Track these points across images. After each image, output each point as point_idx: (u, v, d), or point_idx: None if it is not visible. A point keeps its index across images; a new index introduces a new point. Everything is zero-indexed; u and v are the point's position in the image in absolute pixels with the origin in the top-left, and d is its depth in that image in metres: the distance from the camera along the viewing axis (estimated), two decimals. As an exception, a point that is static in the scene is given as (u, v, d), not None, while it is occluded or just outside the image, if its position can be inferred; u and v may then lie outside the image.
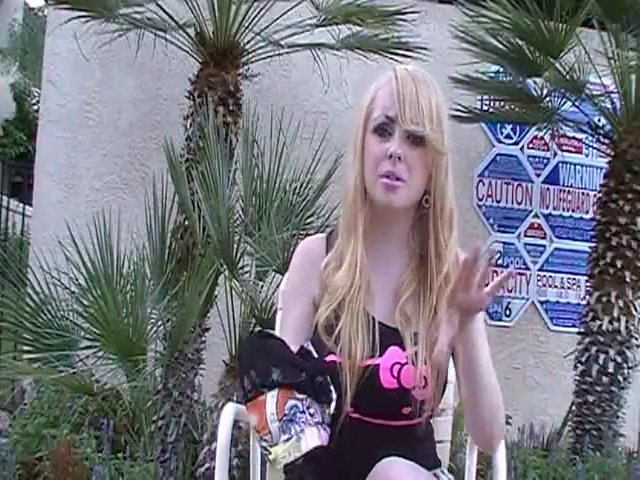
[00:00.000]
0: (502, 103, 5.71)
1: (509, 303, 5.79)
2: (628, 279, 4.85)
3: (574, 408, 4.97)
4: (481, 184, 5.84)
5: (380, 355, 1.77)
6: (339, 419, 1.74)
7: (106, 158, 5.39)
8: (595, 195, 5.42)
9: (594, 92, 5.08)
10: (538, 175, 5.94)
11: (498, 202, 5.85)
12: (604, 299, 4.87)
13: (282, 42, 4.75)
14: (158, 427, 4.09)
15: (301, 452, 1.54)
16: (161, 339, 4.05)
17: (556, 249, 5.92)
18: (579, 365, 4.92)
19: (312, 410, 1.59)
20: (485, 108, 5.76)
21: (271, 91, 5.40)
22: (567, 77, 4.94)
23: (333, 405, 1.69)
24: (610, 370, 4.79)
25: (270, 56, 4.81)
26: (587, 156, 5.97)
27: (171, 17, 4.72)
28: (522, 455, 4.37)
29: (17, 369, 4.33)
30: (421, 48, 4.77)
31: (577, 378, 4.93)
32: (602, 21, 4.99)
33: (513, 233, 5.86)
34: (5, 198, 8.17)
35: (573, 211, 5.97)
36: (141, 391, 4.28)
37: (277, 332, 1.93)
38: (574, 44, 4.87)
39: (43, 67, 5.55)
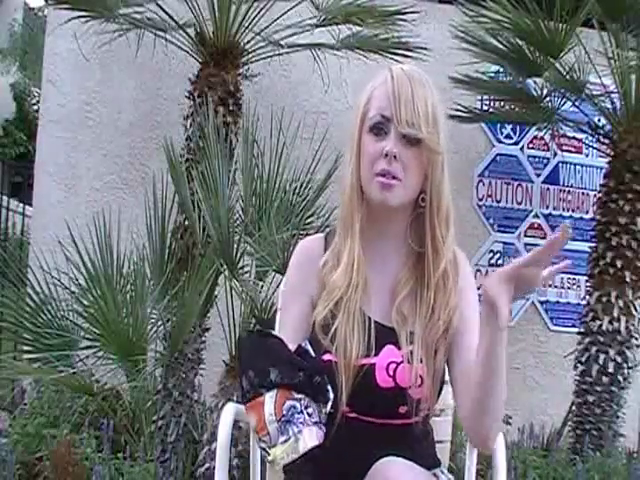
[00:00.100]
0: (502, 103, 5.71)
1: (509, 303, 5.78)
2: (628, 279, 4.85)
3: (574, 408, 4.97)
4: (481, 184, 5.84)
5: (376, 354, 1.77)
6: (335, 418, 1.75)
7: (106, 158, 5.39)
8: (595, 195, 5.43)
9: (594, 92, 5.08)
10: (538, 175, 5.94)
11: (498, 202, 5.85)
12: (604, 299, 4.86)
13: (282, 42, 4.75)
14: (158, 427, 4.09)
15: (299, 453, 1.55)
16: (161, 339, 4.05)
17: (556, 249, 5.91)
18: (579, 365, 4.92)
19: (310, 410, 1.59)
20: (485, 108, 5.76)
21: (271, 91, 5.40)
22: (567, 77, 4.94)
23: (329, 404, 1.69)
24: (610, 370, 4.79)
25: (270, 56, 4.81)
26: (587, 156, 5.97)
27: (171, 17, 4.72)
28: (522, 455, 4.37)
29: (17, 369, 4.33)
30: (421, 48, 4.77)
31: (577, 378, 4.93)
32: (602, 21, 4.99)
33: (513, 233, 5.86)
34: (5, 198, 8.17)
35: (573, 211, 5.97)
36: (141, 391, 4.28)
37: (276, 331, 1.93)
38: (574, 44, 4.87)
39: (43, 67, 5.55)
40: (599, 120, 5.27)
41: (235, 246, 3.88)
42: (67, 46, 5.25)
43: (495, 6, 4.83)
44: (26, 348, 4.31)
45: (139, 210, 4.46)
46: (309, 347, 1.77)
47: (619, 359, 4.82)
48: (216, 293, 4.15)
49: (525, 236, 5.88)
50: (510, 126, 5.86)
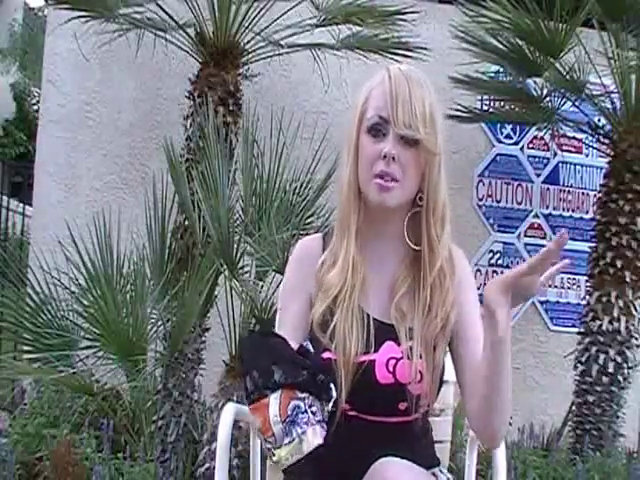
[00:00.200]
0: (502, 103, 5.71)
1: (509, 303, 5.78)
2: (628, 279, 4.85)
3: (574, 408, 4.97)
4: (481, 184, 5.84)
5: (375, 350, 1.77)
6: (335, 417, 1.74)
7: (106, 158, 5.39)
8: (595, 195, 5.43)
9: (594, 92, 5.08)
10: (538, 175, 5.95)
11: (498, 202, 5.85)
12: (604, 299, 4.86)
13: (282, 42, 4.75)
14: (158, 427, 4.09)
15: (303, 454, 1.55)
16: (161, 339, 4.05)
17: (556, 249, 5.91)
18: (579, 365, 4.92)
19: (314, 409, 1.60)
20: (485, 108, 5.76)
21: (271, 91, 5.40)
22: (567, 77, 4.94)
23: (331, 403, 1.69)
24: (610, 370, 4.79)
25: (270, 56, 4.81)
26: (587, 156, 5.97)
27: (171, 17, 4.72)
28: (522, 455, 4.37)
29: (17, 369, 4.33)
30: (421, 48, 4.77)
31: (577, 378, 4.93)
32: (602, 21, 4.99)
33: (513, 233, 5.86)
34: (5, 198, 8.17)
35: (573, 211, 5.97)
36: (141, 391, 4.28)
37: (276, 329, 1.93)
38: (574, 44, 4.87)
39: (43, 67, 5.55)
40: (599, 120, 5.28)
41: (235, 246, 3.88)
42: (67, 46, 5.25)
43: (495, 6, 4.83)
44: (26, 348, 4.31)
45: (139, 210, 4.46)
46: (310, 347, 1.78)
47: (619, 359, 4.82)
48: (216, 293, 4.15)
49: (525, 236, 5.88)
50: (510, 126, 5.86)
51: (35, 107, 11.04)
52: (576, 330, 5.10)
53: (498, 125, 5.85)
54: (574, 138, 5.78)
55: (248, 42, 4.78)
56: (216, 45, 4.68)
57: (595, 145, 5.50)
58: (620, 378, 4.82)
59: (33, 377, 4.58)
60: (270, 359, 1.65)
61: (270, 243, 3.78)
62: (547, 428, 5.19)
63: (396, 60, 4.45)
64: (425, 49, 4.77)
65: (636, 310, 4.89)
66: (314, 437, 1.56)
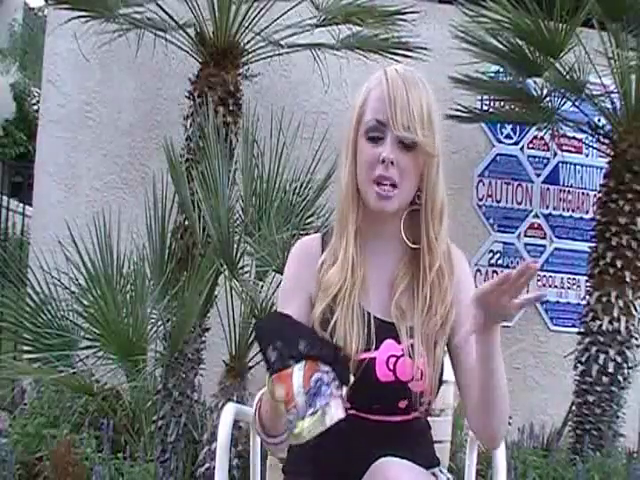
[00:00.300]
0: (502, 103, 5.71)
1: (509, 303, 5.78)
2: (628, 279, 4.85)
3: (574, 408, 4.97)
4: (481, 184, 5.84)
5: (376, 348, 1.78)
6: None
7: (106, 158, 5.39)
8: (595, 195, 5.43)
9: (594, 92, 5.08)
10: (538, 175, 5.95)
11: (498, 202, 5.85)
12: (604, 299, 4.87)
13: (282, 42, 4.75)
14: (158, 427, 4.09)
15: (325, 426, 1.53)
16: (161, 339, 4.05)
17: (556, 249, 5.92)
18: (579, 365, 4.92)
19: (336, 383, 1.59)
20: (485, 108, 5.76)
21: (271, 91, 5.40)
22: (567, 77, 4.95)
23: (350, 383, 1.67)
24: (610, 370, 4.79)
25: (270, 56, 4.81)
26: (587, 156, 5.97)
27: (171, 17, 4.72)
28: (522, 455, 4.37)
29: (17, 369, 4.33)
30: (421, 48, 4.77)
31: (577, 378, 4.93)
32: (602, 21, 4.99)
33: (513, 233, 5.86)
34: (5, 198, 8.17)
35: (573, 211, 5.97)
36: (141, 391, 4.28)
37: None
38: (574, 44, 4.87)
39: (43, 67, 5.55)
40: (599, 120, 5.28)
41: (235, 246, 3.88)
42: (67, 46, 5.25)
43: (495, 6, 4.83)
44: (26, 348, 4.32)
45: (139, 210, 4.46)
46: None
47: (619, 359, 4.82)
48: (216, 293, 4.16)
49: (525, 236, 5.88)
50: (510, 126, 5.86)
51: (35, 107, 11.04)
52: (576, 330, 5.10)
53: (498, 125, 5.85)
54: (574, 138, 5.78)
55: (248, 42, 4.78)
56: (216, 45, 4.68)
57: (595, 145, 5.50)
58: (620, 378, 4.82)
59: (33, 377, 4.58)
60: (294, 331, 1.64)
61: (270, 243, 3.78)
62: (547, 428, 5.20)
63: (396, 60, 4.45)
64: (425, 49, 4.77)
65: (636, 310, 4.89)
66: (337, 410, 1.54)
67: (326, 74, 5.04)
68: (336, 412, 1.54)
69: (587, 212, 5.87)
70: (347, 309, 1.79)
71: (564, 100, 5.19)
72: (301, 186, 4.23)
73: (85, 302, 3.95)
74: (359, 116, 1.82)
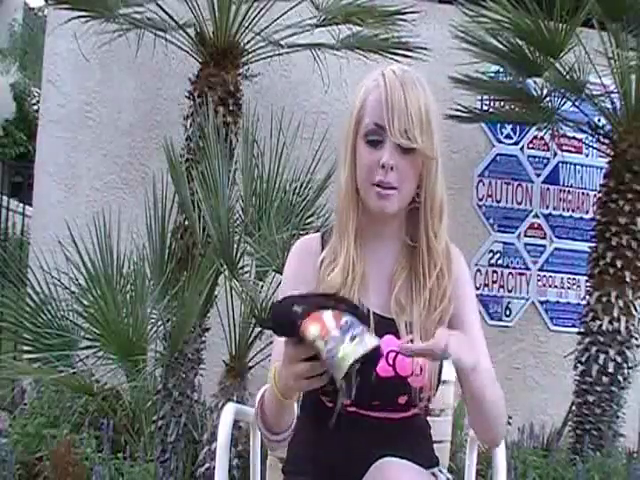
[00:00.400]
0: (502, 103, 5.71)
1: (509, 303, 5.79)
2: (628, 279, 4.85)
3: (574, 408, 4.97)
4: (481, 184, 5.84)
5: None
6: (335, 413, 1.74)
7: (106, 158, 5.39)
8: (595, 195, 5.43)
9: (594, 92, 5.08)
10: (538, 175, 5.94)
11: (498, 202, 5.85)
12: (604, 299, 4.87)
13: (282, 42, 4.75)
14: (158, 427, 4.09)
15: (366, 348, 1.53)
16: (161, 339, 4.05)
17: (556, 249, 5.92)
18: (579, 365, 4.92)
19: (364, 326, 1.59)
20: (485, 108, 5.76)
21: (271, 91, 5.40)
22: (567, 77, 4.95)
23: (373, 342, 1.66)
24: (610, 370, 4.79)
25: (270, 56, 4.81)
26: (587, 156, 5.97)
27: (171, 17, 4.72)
28: (522, 455, 4.37)
29: (17, 369, 4.33)
30: (421, 48, 4.77)
31: (577, 378, 4.93)
32: (602, 21, 4.99)
33: (513, 233, 5.86)
34: (5, 198, 8.17)
35: (573, 211, 5.97)
36: (141, 391, 4.28)
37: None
38: (574, 44, 4.87)
39: (43, 67, 5.55)
40: (599, 120, 5.28)
41: (235, 246, 3.88)
42: (67, 46, 5.25)
43: (495, 6, 4.83)
44: (26, 348, 4.32)
45: (139, 210, 4.46)
46: None
47: (619, 359, 4.82)
48: (216, 293, 4.16)
49: (525, 236, 5.88)
50: (510, 126, 5.86)
51: (35, 107, 11.04)
52: (576, 330, 5.10)
53: (498, 125, 5.85)
54: (574, 138, 5.78)
55: (248, 42, 4.78)
56: (216, 45, 4.68)
57: (595, 145, 5.50)
58: (620, 378, 4.82)
59: (33, 377, 4.58)
60: (315, 295, 1.66)
61: (270, 243, 3.78)
62: (547, 428, 5.20)
63: (396, 60, 4.45)
64: (425, 49, 4.77)
65: (636, 310, 4.89)
66: (371, 338, 1.56)
67: (326, 74, 5.04)
68: (371, 339, 1.55)
69: (587, 212, 5.87)
70: None
71: (564, 100, 5.19)
72: (301, 186, 4.23)
73: (85, 302, 3.95)
74: (357, 120, 1.82)
